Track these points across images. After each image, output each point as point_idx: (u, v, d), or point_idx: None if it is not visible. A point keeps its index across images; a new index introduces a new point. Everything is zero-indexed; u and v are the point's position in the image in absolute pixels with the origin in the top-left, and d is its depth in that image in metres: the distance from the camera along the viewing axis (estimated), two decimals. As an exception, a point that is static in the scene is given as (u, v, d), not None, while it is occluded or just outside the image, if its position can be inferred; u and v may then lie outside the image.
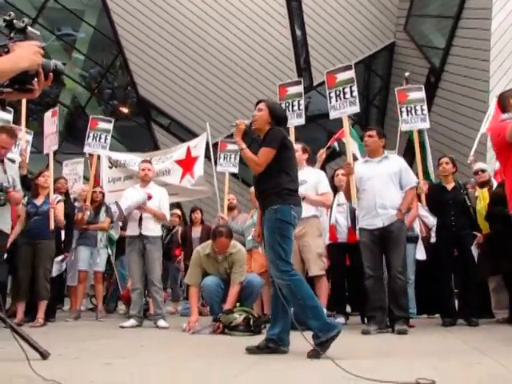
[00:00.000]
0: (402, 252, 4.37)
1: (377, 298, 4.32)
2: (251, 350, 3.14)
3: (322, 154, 6.06)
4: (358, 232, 4.73)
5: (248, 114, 10.54)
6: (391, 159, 4.58)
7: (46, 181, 5.54)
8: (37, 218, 5.36)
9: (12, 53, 1.54)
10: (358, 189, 4.55)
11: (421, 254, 5.28)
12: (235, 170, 7.02)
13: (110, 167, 7.20)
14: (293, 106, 5.69)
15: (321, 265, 4.82)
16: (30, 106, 8.45)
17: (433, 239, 5.31)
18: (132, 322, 5.04)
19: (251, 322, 4.29)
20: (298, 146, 4.80)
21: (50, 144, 6.21)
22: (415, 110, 5.74)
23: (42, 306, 5.25)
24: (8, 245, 4.77)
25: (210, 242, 4.86)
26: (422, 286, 5.31)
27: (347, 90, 5.07)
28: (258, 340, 3.28)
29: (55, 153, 6.35)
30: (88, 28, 13.24)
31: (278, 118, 3.33)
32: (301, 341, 2.90)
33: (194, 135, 9.65)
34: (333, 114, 5.21)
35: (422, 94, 5.81)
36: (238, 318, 4.30)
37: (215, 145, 7.27)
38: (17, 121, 6.26)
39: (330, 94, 5.20)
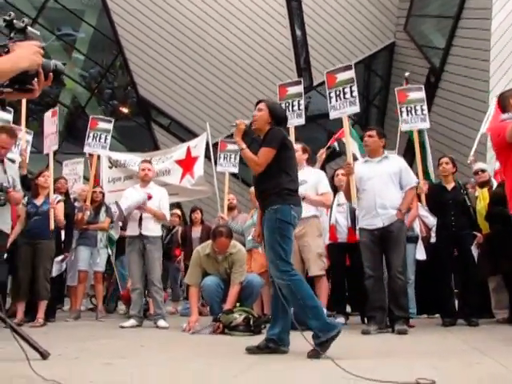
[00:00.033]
0: (402, 252, 4.37)
1: (377, 298, 4.32)
2: (251, 350, 3.14)
3: (322, 153, 6.06)
4: (357, 232, 4.73)
5: (248, 113, 10.54)
6: (391, 159, 4.58)
7: (46, 181, 5.54)
8: (37, 218, 5.36)
9: (12, 53, 1.54)
10: (357, 189, 4.55)
11: (421, 253, 5.28)
12: (235, 170, 7.02)
13: (110, 167, 7.20)
14: (293, 105, 5.69)
15: (321, 265, 4.82)
16: (30, 106, 8.45)
17: (433, 239, 5.31)
18: (132, 321, 5.04)
19: (251, 322, 4.29)
20: (297, 146, 4.80)
21: (50, 144, 6.21)
22: (415, 110, 5.74)
23: (42, 306, 5.25)
24: (8, 245, 4.78)
25: (210, 242, 4.86)
26: (422, 286, 5.31)
27: (347, 89, 5.07)
28: (258, 340, 3.29)
29: (55, 153, 6.36)
30: (88, 28, 13.24)
31: (278, 118, 3.33)
32: (301, 341, 2.90)
33: (194, 135, 9.65)
34: (333, 114, 5.21)
35: (422, 94, 5.82)
36: (238, 317, 4.30)
37: (215, 145, 7.28)
38: (17, 121, 6.26)
39: (330, 94, 5.20)
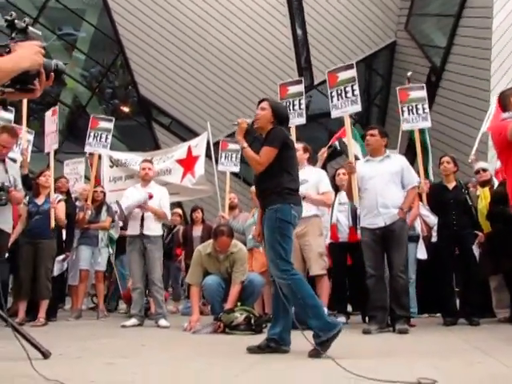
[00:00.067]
0: (404, 251, 4.37)
1: (378, 297, 4.32)
2: (252, 350, 3.14)
3: (323, 153, 6.06)
4: (359, 231, 4.73)
5: (249, 112, 10.56)
6: (393, 158, 4.57)
7: (47, 180, 5.55)
8: (38, 218, 5.37)
9: (13, 53, 1.55)
10: (359, 188, 4.54)
11: (422, 253, 5.28)
12: (236, 170, 7.02)
13: (111, 166, 7.21)
14: (294, 105, 5.69)
15: (322, 264, 4.81)
16: (31, 106, 8.44)
17: (434, 238, 5.31)
18: (133, 321, 5.04)
19: (252, 322, 4.29)
20: (299, 146, 4.79)
21: (51, 143, 6.22)
22: (416, 109, 5.73)
23: (44, 305, 5.26)
24: (9, 244, 4.78)
25: (211, 241, 4.86)
26: (423, 286, 5.31)
27: (349, 89, 5.08)
28: (259, 339, 3.28)
29: (56, 152, 6.36)
30: (89, 27, 13.25)
31: (280, 117, 3.33)
32: (302, 340, 2.90)
33: (195, 134, 9.65)
34: (334, 113, 5.21)
35: (423, 93, 5.80)
36: (239, 317, 4.30)
37: (216, 144, 7.28)
38: (18, 120, 6.27)
39: (331, 93, 5.20)
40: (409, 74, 7.04)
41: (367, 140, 4.59)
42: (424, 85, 6.16)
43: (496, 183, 5.45)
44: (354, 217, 5.04)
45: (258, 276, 4.92)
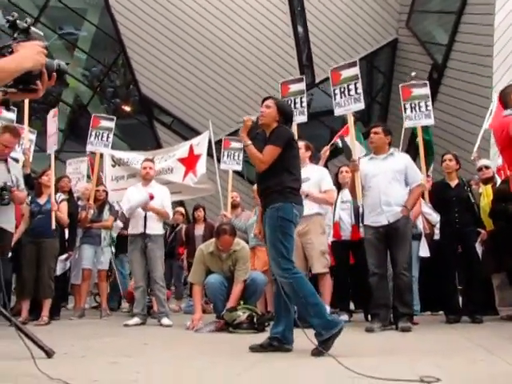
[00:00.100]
0: (408, 249, 4.37)
1: (381, 295, 4.32)
2: (255, 349, 3.14)
3: (325, 151, 6.06)
4: (361, 229, 4.73)
5: (250, 111, 10.56)
6: (396, 156, 4.56)
7: (50, 180, 5.56)
8: (40, 217, 5.37)
9: (16, 53, 1.55)
10: (363, 186, 4.54)
11: (424, 251, 5.28)
12: (239, 168, 7.02)
13: (113, 165, 7.21)
14: (295, 103, 5.68)
15: (324, 262, 4.81)
16: (33, 105, 8.46)
17: (436, 236, 5.31)
18: (136, 320, 5.05)
19: (255, 320, 4.30)
20: (301, 144, 4.77)
21: (52, 144, 6.23)
22: (419, 107, 5.70)
23: (47, 304, 5.27)
24: (12, 243, 4.79)
25: (213, 240, 4.87)
26: (426, 283, 5.31)
27: (352, 86, 5.06)
28: (261, 338, 3.29)
29: (58, 151, 6.36)
30: (90, 27, 13.25)
31: (285, 115, 3.33)
32: (304, 339, 2.90)
33: (197, 133, 9.66)
34: (337, 111, 5.20)
35: (426, 90, 5.76)
36: (242, 315, 4.30)
37: (217, 142, 7.27)
38: (20, 120, 6.28)
39: (334, 90, 5.18)
40: (413, 74, 7.01)
41: (371, 138, 4.57)
42: (427, 82, 6.12)
43: (498, 181, 5.44)
44: (357, 215, 5.03)
45: (260, 274, 4.92)
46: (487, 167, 5.50)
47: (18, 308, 5.47)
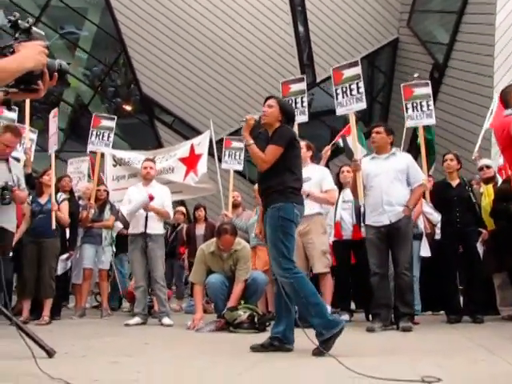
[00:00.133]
0: (409, 248, 4.36)
1: (382, 295, 4.32)
2: (256, 348, 3.14)
3: (327, 151, 6.05)
4: (363, 229, 4.72)
5: (251, 110, 10.52)
6: (398, 156, 4.55)
7: (51, 179, 5.56)
8: (41, 217, 5.38)
9: (17, 53, 1.55)
10: (364, 186, 4.53)
11: (425, 250, 5.27)
12: (240, 168, 7.01)
13: (114, 165, 7.20)
14: (296, 103, 5.68)
15: (325, 262, 4.81)
16: (34, 105, 8.46)
17: (437, 236, 5.30)
18: (136, 319, 5.05)
19: (256, 320, 4.30)
20: (302, 144, 4.76)
21: (53, 144, 6.24)
22: (421, 106, 5.69)
23: (48, 304, 5.27)
24: (13, 243, 4.80)
25: (214, 239, 4.87)
26: (427, 283, 5.31)
27: (353, 86, 5.05)
28: (262, 337, 3.29)
29: (59, 151, 6.37)
30: (91, 26, 13.25)
31: (288, 115, 3.33)
32: (305, 339, 2.90)
33: (198, 132, 9.66)
34: (339, 111, 5.19)
35: (428, 90, 5.75)
36: (243, 315, 4.30)
37: (219, 142, 7.27)
38: (21, 119, 6.29)
39: (336, 90, 5.17)
40: (415, 75, 6.99)
41: (373, 137, 4.56)
42: (429, 81, 6.11)
43: (500, 180, 5.43)
44: (358, 214, 5.03)
45: (261, 274, 4.92)
46: (488, 167, 5.50)
47: (19, 307, 5.48)
